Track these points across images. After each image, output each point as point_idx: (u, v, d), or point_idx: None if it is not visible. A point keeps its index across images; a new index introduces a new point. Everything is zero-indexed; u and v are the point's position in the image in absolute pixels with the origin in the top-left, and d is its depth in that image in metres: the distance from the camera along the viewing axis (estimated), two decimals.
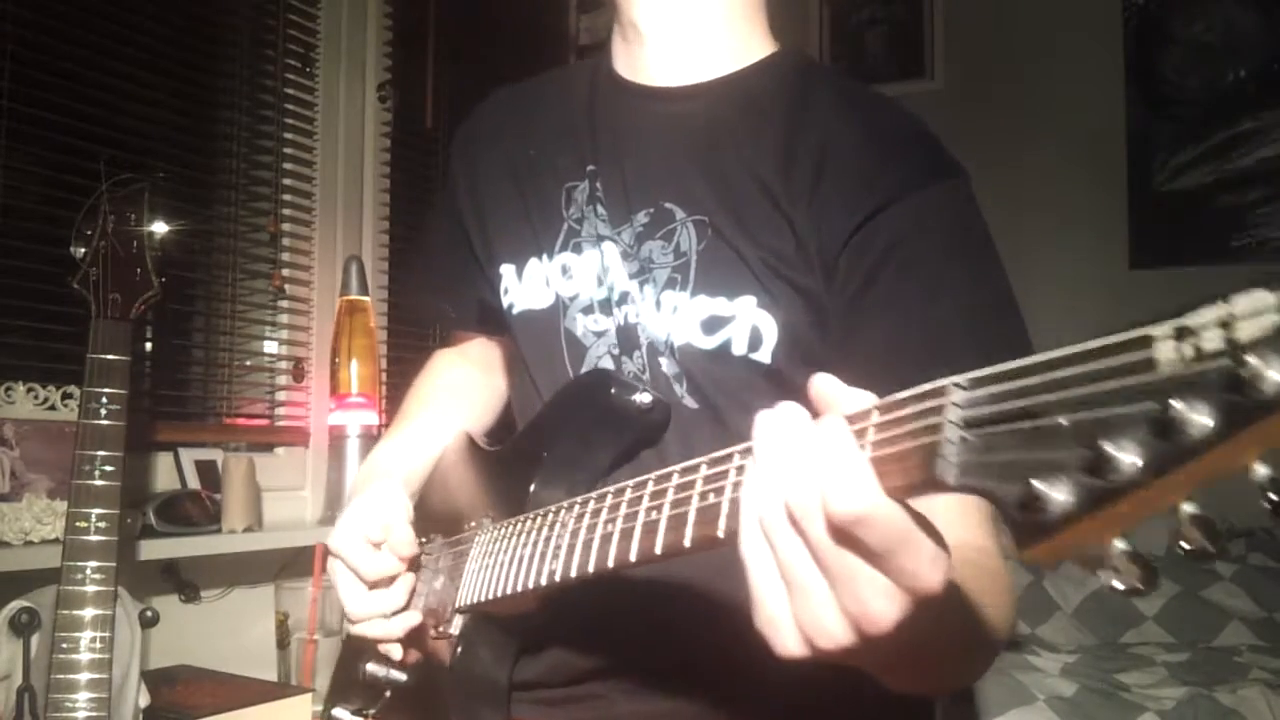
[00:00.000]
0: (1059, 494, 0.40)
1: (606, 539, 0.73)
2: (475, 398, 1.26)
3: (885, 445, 0.50)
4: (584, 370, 1.04)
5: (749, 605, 0.57)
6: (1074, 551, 0.41)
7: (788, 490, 0.53)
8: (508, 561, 0.88)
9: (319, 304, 2.53)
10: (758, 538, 0.56)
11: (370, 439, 2.32)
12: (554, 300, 1.07)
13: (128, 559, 1.76)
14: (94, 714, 1.38)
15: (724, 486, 0.62)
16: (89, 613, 1.40)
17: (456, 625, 0.98)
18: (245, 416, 2.48)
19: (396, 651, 1.02)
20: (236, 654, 2.13)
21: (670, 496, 0.67)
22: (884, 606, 0.52)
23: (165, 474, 2.15)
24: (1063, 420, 0.40)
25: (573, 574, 0.77)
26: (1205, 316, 0.36)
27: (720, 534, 0.62)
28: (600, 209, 1.04)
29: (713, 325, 0.95)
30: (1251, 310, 0.35)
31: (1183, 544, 0.38)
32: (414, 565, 1.02)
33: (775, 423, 0.55)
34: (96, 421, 1.43)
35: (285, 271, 2.50)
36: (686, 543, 0.65)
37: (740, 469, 0.61)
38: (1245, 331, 0.35)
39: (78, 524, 1.41)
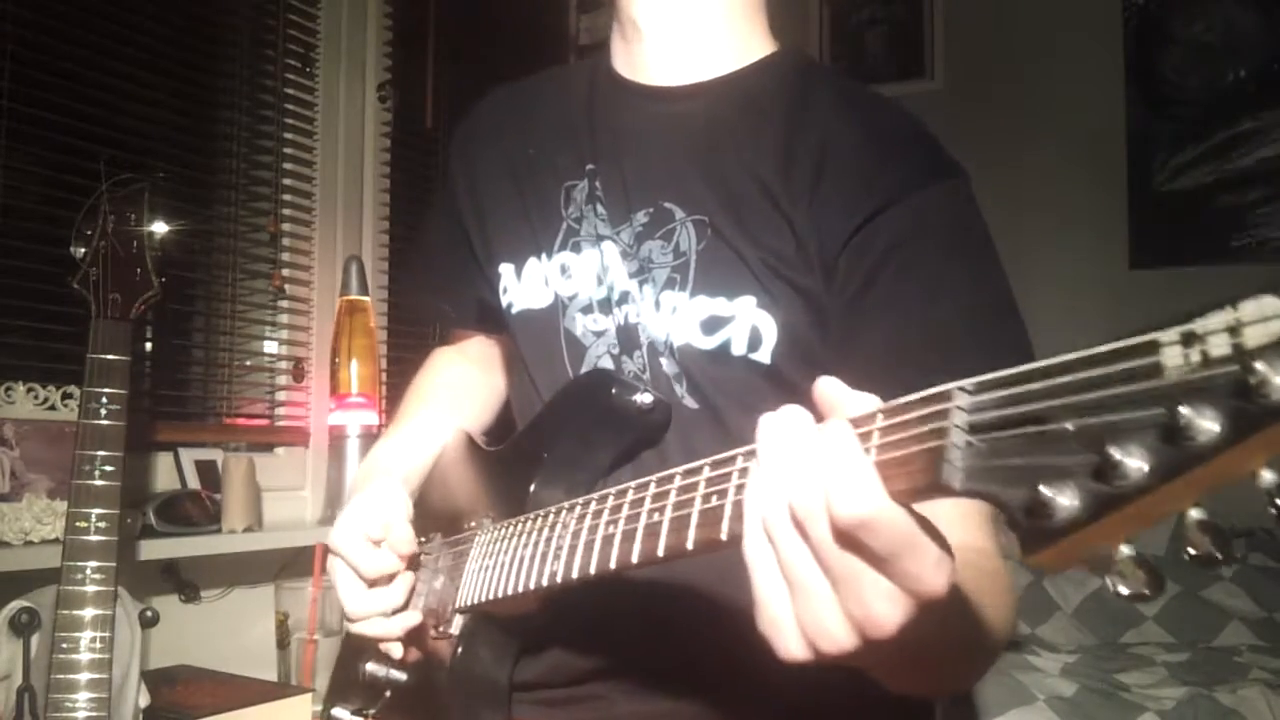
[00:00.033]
0: (1065, 499, 0.40)
1: (608, 540, 0.73)
2: (474, 396, 1.26)
3: (890, 449, 0.50)
4: (583, 370, 1.04)
5: (750, 607, 0.57)
6: (1080, 557, 0.41)
7: (792, 493, 0.53)
8: (508, 562, 0.88)
9: (319, 304, 2.53)
10: (761, 540, 0.56)
11: (370, 439, 2.32)
12: (553, 300, 1.06)
13: (128, 559, 1.76)
14: (94, 714, 1.38)
15: (727, 489, 0.62)
16: (89, 613, 1.40)
17: (457, 625, 0.97)
18: (245, 416, 2.48)
19: (396, 650, 1.02)
20: (236, 654, 2.13)
21: (673, 498, 0.67)
22: (887, 610, 0.52)
23: (165, 474, 2.14)
24: (1069, 425, 0.40)
25: (574, 575, 0.77)
26: (1212, 322, 0.36)
27: (723, 536, 0.62)
28: (599, 208, 1.04)
29: (712, 325, 0.95)
30: (1259, 316, 0.35)
31: (1189, 550, 0.38)
32: (414, 564, 1.02)
33: (779, 425, 0.55)
34: (96, 421, 1.43)
35: (285, 271, 2.50)
36: (689, 545, 0.65)
37: (743, 471, 0.61)
38: (1253, 337, 0.35)
39: (78, 524, 1.41)
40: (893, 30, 3.99)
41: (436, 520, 1.08)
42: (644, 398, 0.97)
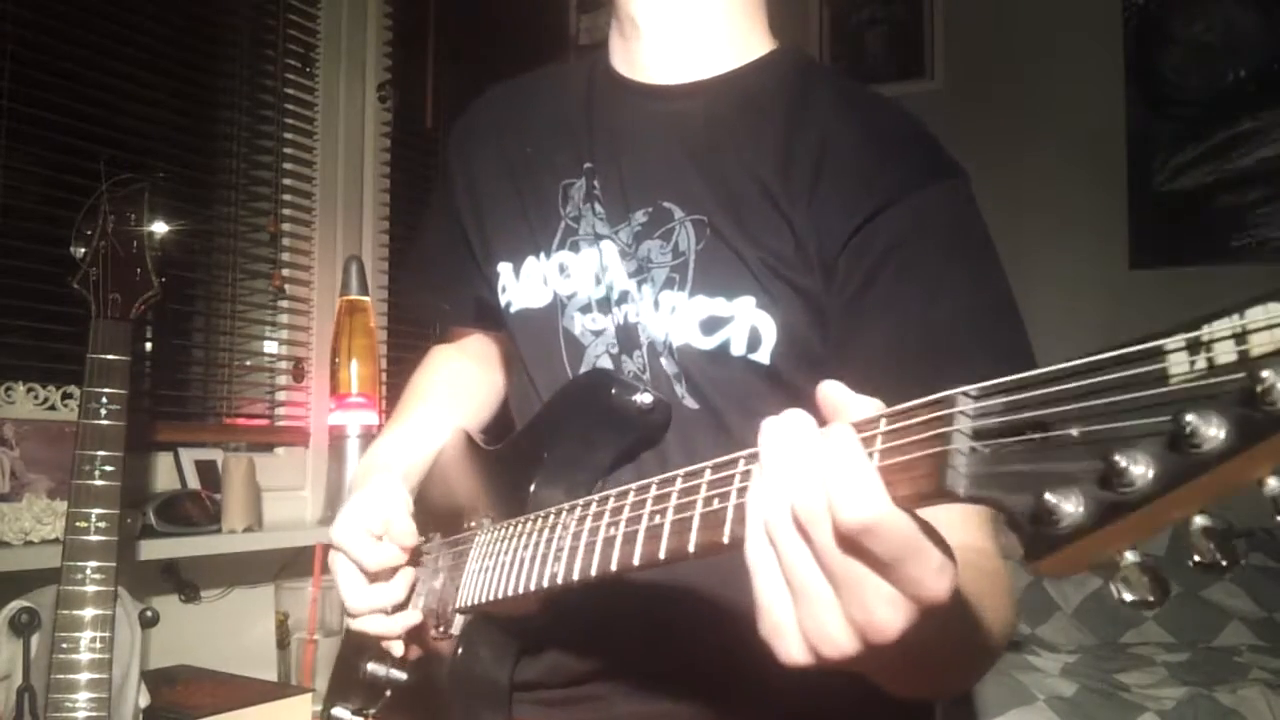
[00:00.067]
0: (1070, 506, 0.40)
1: (609, 542, 0.73)
2: (473, 393, 1.26)
3: (893, 454, 0.50)
4: (582, 369, 1.04)
5: (750, 609, 0.57)
6: (1084, 564, 0.41)
7: (795, 497, 0.53)
8: (509, 563, 0.88)
9: (319, 304, 2.53)
10: (763, 544, 0.56)
11: (370, 439, 2.31)
12: (552, 299, 1.06)
13: (128, 559, 1.76)
14: (94, 714, 1.38)
15: (729, 492, 0.62)
16: (89, 613, 1.40)
17: (457, 625, 0.97)
18: (245, 416, 2.48)
19: (396, 649, 1.02)
20: (236, 654, 2.13)
21: (674, 501, 0.67)
22: (890, 615, 0.52)
23: (165, 474, 2.14)
24: (1074, 432, 0.40)
25: (575, 577, 0.77)
26: (1218, 329, 0.36)
27: (725, 539, 0.62)
28: (598, 207, 1.04)
29: (711, 325, 0.95)
30: (1265, 323, 0.35)
31: (1194, 557, 0.38)
32: (414, 560, 1.02)
33: (781, 428, 0.55)
34: (96, 421, 1.43)
35: (285, 271, 2.49)
36: (691, 548, 0.65)
37: (746, 474, 0.61)
38: (1259, 345, 0.35)
39: (78, 524, 1.41)
40: (893, 30, 3.99)
41: (436, 519, 1.07)
42: (644, 398, 0.97)
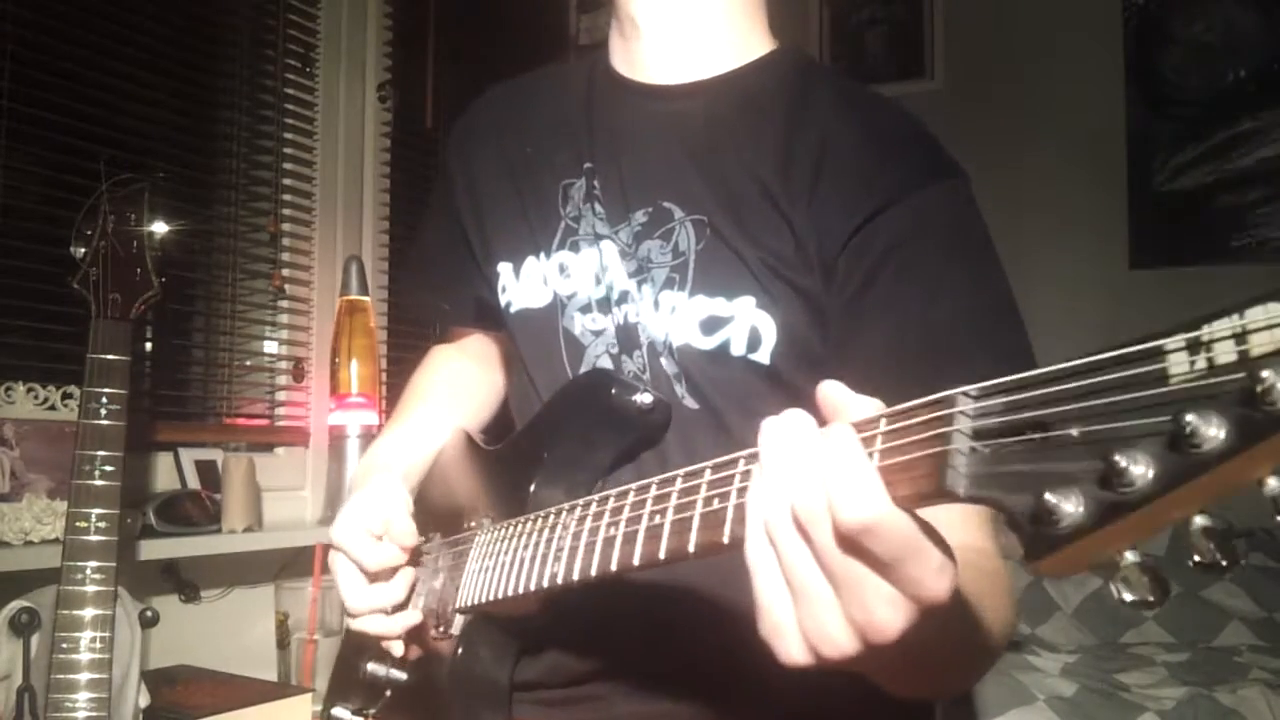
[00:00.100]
0: (1070, 506, 0.40)
1: (609, 542, 0.73)
2: (473, 393, 1.26)
3: (893, 454, 0.50)
4: (582, 369, 1.04)
5: (751, 609, 0.57)
6: (1084, 564, 0.41)
7: (795, 496, 0.53)
8: (509, 563, 0.88)
9: (319, 304, 2.53)
10: (763, 544, 0.56)
11: (370, 439, 2.31)
12: (552, 299, 1.06)
13: (128, 559, 1.76)
14: (94, 714, 1.38)
15: (729, 492, 0.62)
16: (89, 613, 1.40)
17: (457, 625, 0.97)
18: (245, 416, 2.48)
19: (396, 649, 1.02)
20: (236, 654, 2.13)
21: (674, 501, 0.67)
22: (890, 615, 0.52)
23: (165, 474, 2.14)
24: (1074, 432, 0.40)
25: (575, 577, 0.77)
26: (1218, 328, 0.36)
27: (725, 539, 0.62)
28: (598, 207, 1.04)
29: (711, 325, 0.95)
30: (1265, 323, 0.35)
31: (1194, 557, 0.38)
32: (415, 560, 1.02)
33: (782, 429, 0.55)
34: (96, 421, 1.43)
35: (285, 271, 2.49)
36: (691, 548, 0.65)
37: (746, 474, 0.61)
38: (1259, 345, 0.35)
39: (78, 524, 1.41)
40: (893, 30, 3.99)
41: (436, 519, 1.07)
42: (644, 398, 0.97)
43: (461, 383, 1.27)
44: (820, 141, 0.95)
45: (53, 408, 1.82)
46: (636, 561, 0.70)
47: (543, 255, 1.07)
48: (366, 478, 1.09)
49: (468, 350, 1.28)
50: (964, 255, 0.93)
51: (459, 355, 1.29)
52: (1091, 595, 2.87)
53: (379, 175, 2.73)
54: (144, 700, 1.58)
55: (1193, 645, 2.70)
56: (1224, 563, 0.38)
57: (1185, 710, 2.16)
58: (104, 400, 1.44)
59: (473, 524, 1.00)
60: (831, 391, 0.56)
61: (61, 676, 1.38)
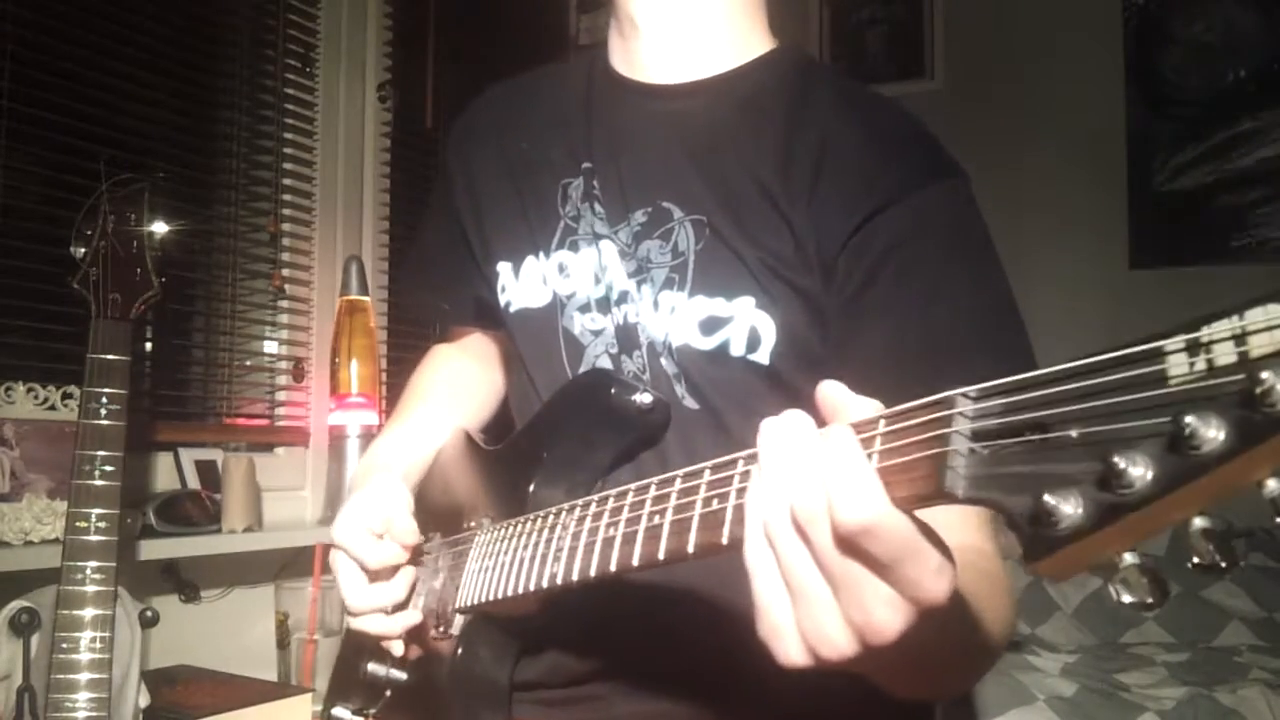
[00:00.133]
0: (1069, 508, 0.40)
1: (609, 543, 0.73)
2: (473, 392, 1.26)
3: (892, 455, 0.50)
4: (582, 369, 1.04)
5: (750, 611, 0.57)
6: (1084, 565, 0.41)
7: (794, 497, 0.53)
8: (508, 563, 0.88)
9: (319, 304, 2.53)
10: (762, 545, 0.56)
11: (370, 439, 2.31)
12: (551, 299, 1.06)
13: (128, 559, 1.76)
14: (94, 714, 1.38)
15: (728, 492, 0.62)
16: (89, 613, 1.40)
17: (457, 625, 0.97)
18: (245, 416, 2.48)
19: (396, 649, 1.02)
20: (236, 654, 2.13)
21: (673, 501, 0.67)
22: (888, 616, 0.52)
23: (165, 474, 2.14)
24: (1073, 433, 0.40)
25: (574, 577, 0.77)
26: (1218, 330, 0.36)
27: (724, 540, 0.62)
28: (597, 207, 1.04)
29: (711, 326, 0.95)
30: (1265, 324, 0.35)
31: (1193, 559, 0.38)
32: (415, 559, 1.02)
33: (781, 429, 0.55)
34: (96, 421, 1.43)
35: (285, 271, 2.50)
36: (690, 548, 0.64)
37: (745, 475, 0.61)
38: (1259, 346, 0.35)
39: (78, 524, 1.41)
40: (893, 30, 3.99)
41: (435, 519, 1.07)
42: (643, 398, 0.97)
43: (462, 382, 1.27)
44: (820, 141, 0.94)
45: (53, 408, 1.82)
46: (635, 562, 0.70)
47: (542, 255, 1.07)
48: (366, 477, 1.09)
49: (469, 349, 1.28)
50: (964, 255, 0.92)
51: (460, 354, 1.29)
52: (1091, 595, 2.87)
53: (379, 175, 2.73)
54: (144, 700, 1.58)
55: (1193, 645, 2.70)
56: (1223, 564, 0.38)
57: (1185, 710, 2.16)
58: (104, 400, 1.44)
59: (472, 524, 1.00)
60: (830, 392, 0.56)
61: (61, 676, 1.38)
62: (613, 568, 0.72)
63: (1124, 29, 3.61)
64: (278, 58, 2.50)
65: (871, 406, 0.55)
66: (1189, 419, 0.36)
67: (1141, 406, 0.38)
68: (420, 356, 1.34)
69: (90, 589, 1.40)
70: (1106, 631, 2.83)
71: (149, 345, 2.27)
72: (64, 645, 1.38)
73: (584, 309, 1.04)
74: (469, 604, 0.94)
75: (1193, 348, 0.37)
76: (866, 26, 4.03)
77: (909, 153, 0.96)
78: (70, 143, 2.00)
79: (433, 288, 1.27)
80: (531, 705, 1.02)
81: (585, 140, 1.07)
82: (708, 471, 0.65)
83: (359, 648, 1.10)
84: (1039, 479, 0.42)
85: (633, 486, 0.72)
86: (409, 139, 2.82)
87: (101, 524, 1.41)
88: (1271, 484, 0.36)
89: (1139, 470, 0.38)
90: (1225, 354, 0.36)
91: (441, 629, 0.98)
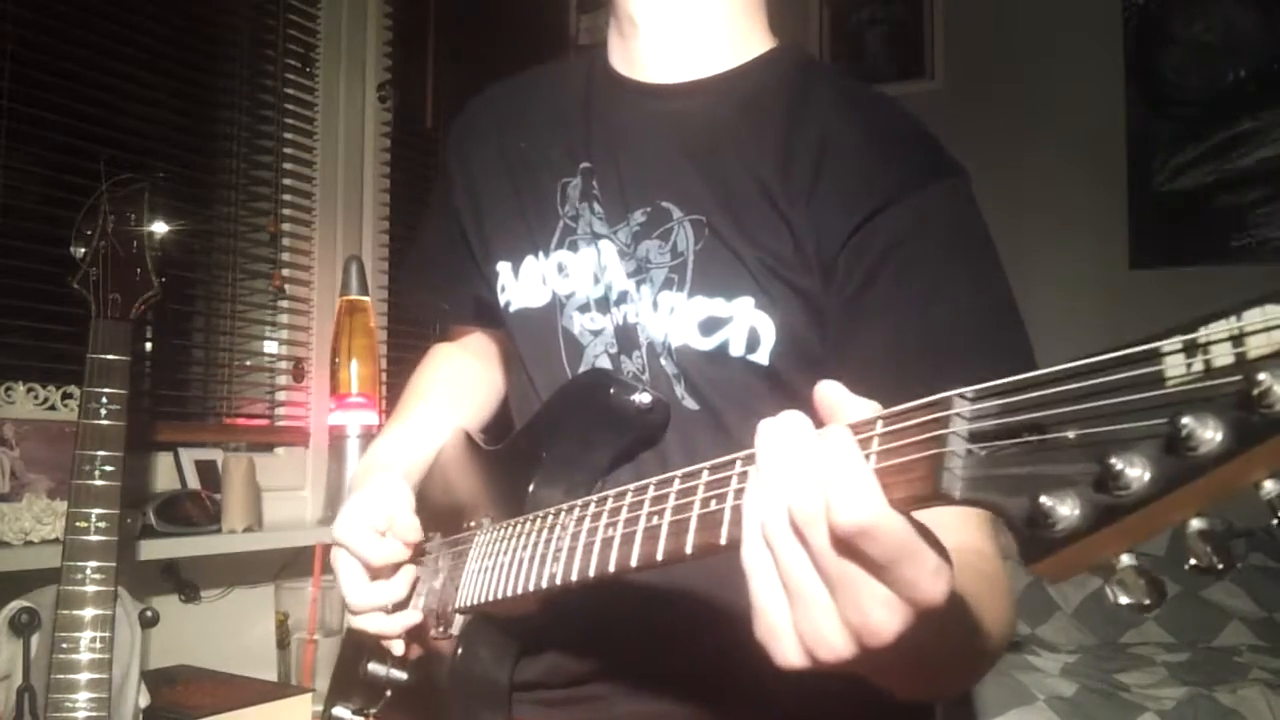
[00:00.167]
0: (1066, 509, 0.40)
1: (608, 543, 0.73)
2: (473, 392, 1.26)
3: (890, 456, 0.50)
4: (581, 369, 1.03)
5: (748, 612, 0.57)
6: (1081, 566, 0.41)
7: (791, 498, 0.53)
8: (508, 563, 0.88)
9: (319, 304, 2.53)
10: (760, 546, 0.56)
11: (370, 439, 2.31)
12: (550, 298, 1.06)
13: (128, 559, 1.76)
14: (94, 714, 1.38)
15: (726, 493, 0.62)
16: (89, 613, 1.40)
17: (457, 625, 0.97)
18: (245, 416, 2.48)
19: (397, 649, 1.02)
20: (236, 654, 2.13)
21: (672, 502, 0.67)
22: (886, 618, 0.52)
23: (165, 474, 2.14)
24: (1070, 434, 0.40)
25: (573, 578, 0.77)
26: (1215, 331, 0.36)
27: (722, 541, 0.61)
28: (596, 206, 1.04)
29: (710, 326, 0.95)
30: (1262, 325, 0.35)
31: (1191, 560, 0.38)
32: (416, 557, 1.02)
33: (779, 430, 0.55)
34: (96, 421, 1.43)
35: (285, 271, 2.49)
36: (688, 549, 0.64)
37: (742, 476, 0.61)
38: (1256, 347, 0.35)
39: (78, 524, 1.41)
40: (893, 30, 3.99)
41: (435, 518, 1.07)
42: (643, 398, 0.97)
43: (462, 381, 1.27)
44: (820, 140, 0.94)
45: (53, 408, 1.82)
46: (634, 562, 0.70)
47: (541, 254, 1.07)
48: (367, 476, 1.09)
49: (469, 348, 1.28)
50: (964, 255, 0.92)
51: (460, 353, 1.29)
52: (1091, 595, 2.87)
53: (379, 175, 2.73)
54: (144, 700, 1.58)
55: (1193, 645, 2.70)
56: (1220, 566, 0.38)
57: (1185, 710, 2.16)
58: (104, 400, 1.44)
59: (472, 524, 1.00)
60: (829, 392, 0.56)
61: (61, 676, 1.38)
62: (611, 568, 0.72)
63: (1124, 29, 3.61)
64: (278, 58, 2.50)
65: (869, 407, 0.55)
66: (1186, 420, 0.36)
67: (1139, 407, 0.38)
68: (420, 356, 1.34)
69: (90, 589, 1.40)
70: (1106, 631, 2.83)
71: (149, 345, 2.27)
72: (64, 645, 1.38)
73: (583, 309, 1.04)
74: (469, 604, 0.94)
75: (1190, 349, 0.37)
76: (866, 26, 4.03)
77: (909, 152, 0.96)
78: (70, 143, 2.00)
79: (433, 287, 1.27)
80: (531, 705, 1.02)
81: (584, 140, 1.07)
82: (706, 472, 0.65)
83: (359, 648, 1.10)
84: (1036, 480, 0.42)
85: (631, 487, 0.72)
86: (409, 139, 2.82)
87: (101, 524, 1.41)
88: (1269, 485, 0.36)
89: (1136, 472, 0.38)
90: (1223, 355, 0.36)
91: (441, 629, 0.98)
